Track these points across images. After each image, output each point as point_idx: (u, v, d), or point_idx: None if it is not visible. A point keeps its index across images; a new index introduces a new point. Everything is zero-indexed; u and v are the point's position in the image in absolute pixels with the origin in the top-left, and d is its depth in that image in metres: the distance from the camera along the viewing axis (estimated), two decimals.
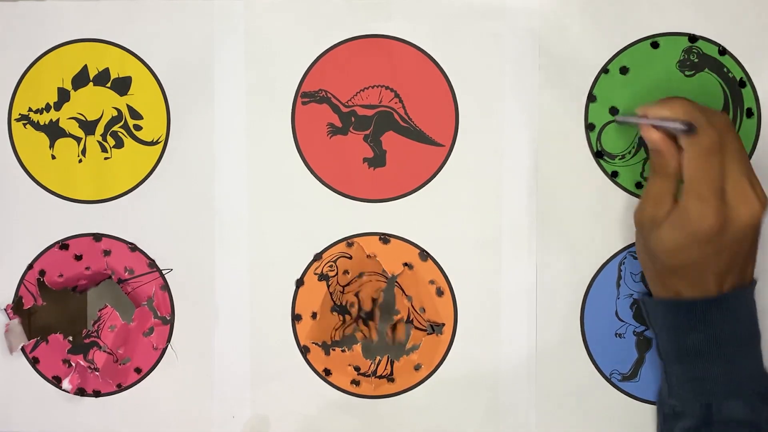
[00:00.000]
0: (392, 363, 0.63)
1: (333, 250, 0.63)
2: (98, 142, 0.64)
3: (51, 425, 0.65)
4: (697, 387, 0.55)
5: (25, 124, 0.64)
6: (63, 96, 0.64)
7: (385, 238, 0.62)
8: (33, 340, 0.65)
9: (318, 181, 0.63)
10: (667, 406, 0.57)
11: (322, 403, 0.63)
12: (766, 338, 0.57)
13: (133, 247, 0.64)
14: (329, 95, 0.62)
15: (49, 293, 0.65)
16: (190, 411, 0.64)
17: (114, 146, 0.64)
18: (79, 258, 0.64)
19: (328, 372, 0.63)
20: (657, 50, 0.60)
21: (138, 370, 0.65)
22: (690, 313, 0.54)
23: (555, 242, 0.61)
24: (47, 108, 0.64)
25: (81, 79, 0.64)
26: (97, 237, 0.64)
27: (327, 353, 0.63)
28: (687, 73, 0.60)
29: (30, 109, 0.64)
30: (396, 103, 0.62)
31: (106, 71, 0.64)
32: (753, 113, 0.60)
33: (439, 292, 0.62)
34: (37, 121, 0.64)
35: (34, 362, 0.65)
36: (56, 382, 0.65)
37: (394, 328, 0.64)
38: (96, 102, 0.64)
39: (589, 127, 0.61)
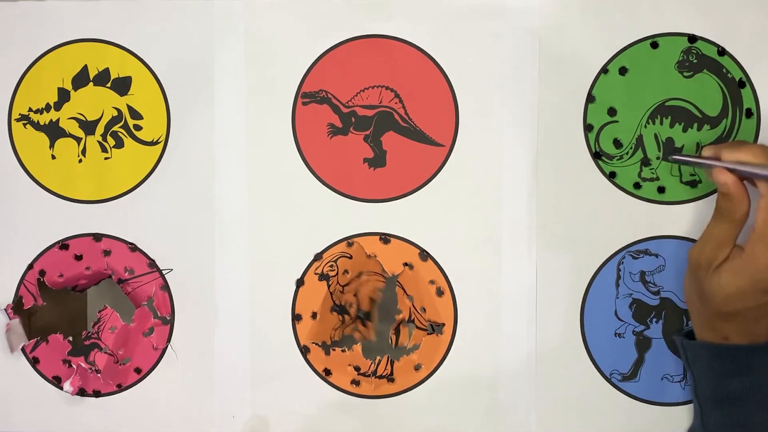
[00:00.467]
0: (392, 363, 0.63)
1: (333, 250, 0.63)
2: (98, 142, 0.64)
3: (51, 425, 0.65)
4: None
5: (25, 124, 0.64)
6: (63, 96, 0.64)
7: (385, 238, 0.62)
8: (33, 340, 0.65)
9: (318, 181, 0.63)
10: None
11: (322, 403, 0.63)
12: None
13: (133, 247, 0.64)
14: (329, 95, 0.62)
15: (49, 293, 0.65)
16: (190, 411, 0.64)
17: (114, 146, 0.64)
18: (79, 258, 0.64)
19: (328, 372, 0.63)
20: (656, 51, 0.60)
21: (138, 370, 0.65)
22: (735, 359, 0.53)
23: (554, 242, 0.61)
24: (47, 108, 0.64)
25: (81, 79, 0.64)
26: (97, 237, 0.64)
27: (327, 353, 0.63)
28: (686, 74, 0.60)
29: (30, 109, 0.64)
30: (396, 103, 0.62)
31: (106, 71, 0.64)
32: (752, 113, 0.60)
33: (439, 292, 0.62)
34: (37, 121, 0.64)
35: (34, 362, 0.65)
36: (56, 382, 0.65)
37: (397, 330, 0.64)
38: (96, 102, 0.64)
39: (588, 127, 0.61)
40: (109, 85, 0.64)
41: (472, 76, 0.61)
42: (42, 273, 0.64)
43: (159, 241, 0.64)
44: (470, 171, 0.62)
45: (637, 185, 0.61)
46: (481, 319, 0.62)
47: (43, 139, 0.64)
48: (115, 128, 0.64)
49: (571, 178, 0.61)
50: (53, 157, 0.64)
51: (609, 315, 0.61)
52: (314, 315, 0.63)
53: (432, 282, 0.62)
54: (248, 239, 0.63)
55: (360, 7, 0.62)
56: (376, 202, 0.62)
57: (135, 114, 0.64)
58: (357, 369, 0.63)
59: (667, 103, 0.60)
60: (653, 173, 0.61)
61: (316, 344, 0.63)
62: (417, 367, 0.63)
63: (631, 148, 0.61)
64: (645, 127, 0.60)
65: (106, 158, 0.64)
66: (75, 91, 0.64)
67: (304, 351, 0.63)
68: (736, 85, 0.60)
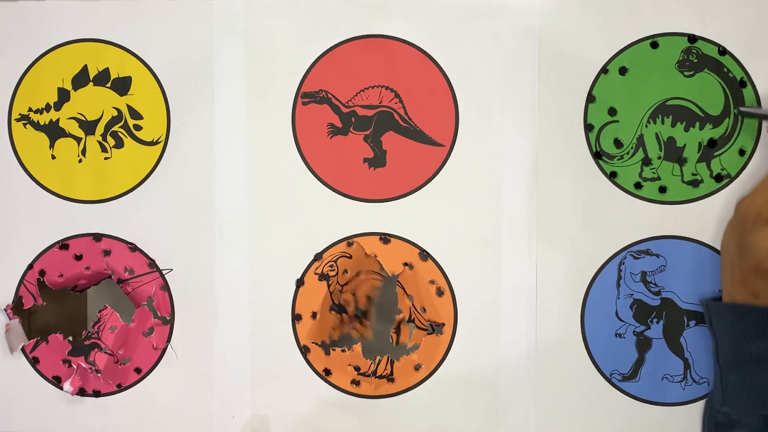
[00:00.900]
0: (392, 363, 0.63)
1: (333, 249, 0.63)
2: (98, 142, 0.64)
3: (51, 425, 0.65)
4: (758, 396, 0.54)
5: (25, 124, 0.64)
6: (63, 96, 0.64)
7: (385, 238, 0.62)
8: (33, 340, 0.65)
9: (318, 181, 0.63)
10: (721, 414, 0.56)
11: (322, 403, 0.63)
12: None
13: (133, 247, 0.64)
14: (329, 95, 0.62)
15: (49, 293, 0.65)
16: (190, 411, 0.64)
17: (114, 146, 0.64)
18: (79, 258, 0.64)
19: (328, 372, 0.63)
20: (656, 50, 0.60)
21: (138, 370, 0.65)
22: (758, 321, 0.53)
23: (555, 242, 0.61)
24: (47, 108, 0.64)
25: (81, 79, 0.64)
26: (97, 237, 0.64)
27: (327, 353, 0.63)
28: (686, 73, 0.60)
29: (30, 109, 0.64)
30: (396, 103, 0.62)
31: (106, 71, 0.64)
32: None
33: (439, 292, 0.62)
34: (37, 121, 0.64)
35: (34, 362, 0.65)
36: (56, 382, 0.65)
37: (397, 329, 0.64)
38: (96, 102, 0.64)
39: (588, 127, 0.61)
40: (109, 85, 0.64)
41: (472, 76, 0.61)
42: (42, 273, 0.65)
43: (159, 241, 0.64)
44: (470, 171, 0.62)
45: (638, 185, 0.61)
46: (481, 319, 0.62)
47: (43, 139, 0.64)
48: (115, 128, 0.64)
49: (571, 178, 0.61)
50: (53, 157, 0.64)
51: (610, 315, 0.61)
52: (314, 315, 0.63)
53: (432, 282, 0.62)
54: (248, 239, 0.63)
55: (360, 7, 0.62)
56: (376, 202, 0.62)
57: (135, 114, 0.64)
58: (357, 369, 0.63)
59: (668, 103, 0.60)
60: (654, 173, 0.60)
61: (316, 344, 0.63)
62: (417, 367, 0.63)
63: (631, 147, 0.61)
64: (646, 126, 0.60)
65: (106, 158, 0.64)
66: (75, 91, 0.64)
67: (304, 351, 0.63)
68: (738, 84, 0.60)
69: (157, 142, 0.64)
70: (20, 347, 0.65)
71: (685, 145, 0.60)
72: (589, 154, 0.61)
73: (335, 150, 0.62)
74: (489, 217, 0.62)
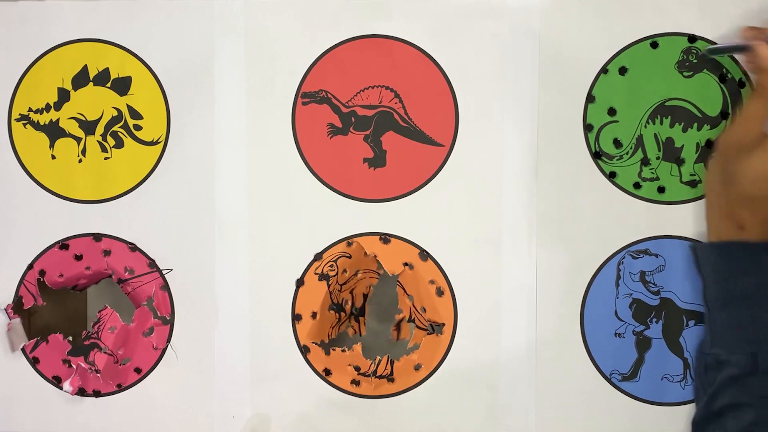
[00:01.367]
0: (392, 363, 0.63)
1: (333, 249, 0.63)
2: (98, 142, 0.64)
3: (51, 425, 0.65)
4: (744, 333, 0.54)
5: (25, 124, 0.64)
6: (63, 96, 0.64)
7: (385, 238, 0.62)
8: (33, 340, 0.65)
9: (318, 181, 0.63)
10: (709, 357, 0.56)
11: (322, 403, 0.63)
12: None
13: (133, 247, 0.64)
14: (329, 95, 0.62)
15: (49, 293, 0.65)
16: (190, 411, 0.64)
17: (114, 146, 0.64)
18: (79, 258, 0.64)
19: (328, 372, 0.63)
20: (656, 50, 0.60)
21: (138, 370, 0.65)
22: (745, 257, 0.54)
23: (554, 242, 0.61)
24: (47, 108, 0.64)
25: (81, 79, 0.64)
26: (97, 237, 0.64)
27: (327, 353, 0.63)
28: (686, 73, 0.60)
29: (30, 109, 0.64)
30: (396, 103, 0.62)
31: (106, 71, 0.64)
32: None
33: (439, 292, 0.62)
34: (37, 121, 0.64)
35: (34, 362, 0.65)
36: (56, 382, 0.65)
37: (398, 326, 0.64)
38: (96, 102, 0.64)
39: (588, 127, 0.61)
40: (109, 85, 0.64)
41: (472, 76, 0.61)
42: (42, 273, 0.64)
43: (159, 241, 0.64)
44: (470, 171, 0.62)
45: (637, 185, 0.61)
46: (481, 319, 0.62)
47: (43, 139, 0.64)
48: (115, 128, 0.64)
49: (571, 178, 0.61)
50: (53, 157, 0.64)
51: (609, 315, 0.61)
52: (314, 315, 0.63)
53: (432, 282, 0.62)
54: (248, 239, 0.63)
55: (360, 7, 0.62)
56: (376, 202, 0.62)
57: (135, 114, 0.64)
58: (357, 369, 0.63)
59: (667, 103, 0.60)
60: (653, 173, 0.61)
61: (316, 344, 0.63)
62: (417, 367, 0.63)
63: (631, 148, 0.61)
64: (645, 126, 0.60)
65: (106, 158, 0.64)
66: (75, 91, 0.64)
67: (304, 351, 0.63)
68: (737, 84, 0.60)
69: (157, 142, 0.64)
70: (20, 347, 0.65)
71: (683, 145, 0.60)
72: (588, 154, 0.61)
73: (335, 150, 0.62)
74: (489, 217, 0.62)
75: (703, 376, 0.57)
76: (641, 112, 0.60)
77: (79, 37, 0.64)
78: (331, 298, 0.63)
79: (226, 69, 0.63)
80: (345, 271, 0.63)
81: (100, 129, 0.64)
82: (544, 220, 0.61)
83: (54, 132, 0.64)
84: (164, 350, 0.64)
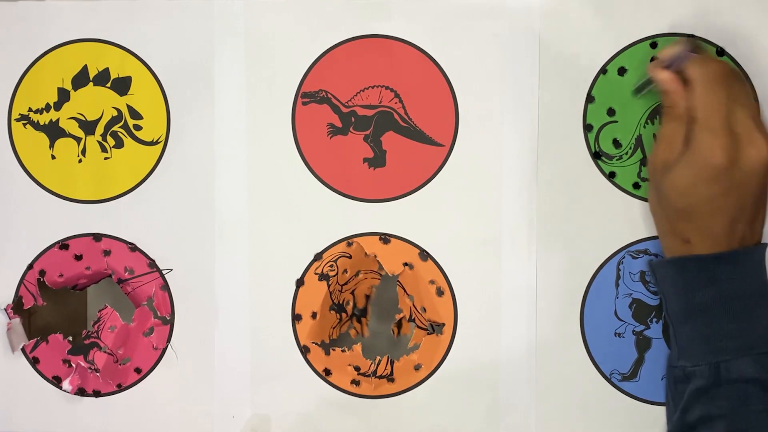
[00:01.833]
0: (392, 363, 0.63)
1: (333, 249, 0.63)
2: (98, 142, 0.64)
3: (51, 425, 0.65)
4: (707, 344, 0.54)
5: (25, 124, 0.64)
6: (63, 96, 0.64)
7: (385, 238, 0.62)
8: (33, 340, 0.65)
9: (318, 181, 0.63)
10: (677, 369, 0.56)
11: (322, 403, 0.63)
12: None
13: (133, 247, 0.64)
14: (329, 95, 0.62)
15: (49, 293, 0.65)
16: (190, 411, 0.64)
17: (114, 146, 0.64)
18: (79, 258, 0.64)
19: (328, 372, 0.63)
20: (656, 51, 0.60)
21: (138, 370, 0.65)
22: (699, 270, 0.54)
23: (554, 242, 0.61)
24: (47, 108, 0.64)
25: (81, 79, 0.64)
26: (97, 237, 0.64)
27: (327, 353, 0.63)
28: None
29: (30, 109, 0.64)
30: (396, 103, 0.62)
31: (106, 71, 0.64)
32: None
33: (439, 292, 0.62)
34: (37, 121, 0.64)
35: (34, 362, 0.65)
36: (56, 382, 0.65)
37: (399, 324, 0.64)
38: (96, 102, 0.64)
39: (587, 127, 0.61)
40: (109, 85, 0.64)
41: (472, 76, 0.61)
42: (42, 273, 0.64)
43: (159, 241, 0.64)
44: (470, 171, 0.62)
45: (636, 185, 0.61)
46: (481, 319, 0.62)
47: (43, 139, 0.64)
48: (115, 128, 0.64)
49: (570, 178, 0.61)
50: (53, 157, 0.64)
51: (609, 315, 0.61)
52: (314, 315, 0.63)
53: (432, 282, 0.62)
54: (248, 239, 0.63)
55: (360, 7, 0.62)
56: (376, 202, 0.62)
57: (135, 114, 0.64)
58: (357, 369, 0.63)
59: None
60: None
61: (316, 344, 0.63)
62: (417, 367, 0.63)
63: (630, 148, 0.61)
64: (644, 127, 0.60)
65: (106, 158, 0.64)
66: (75, 91, 0.64)
67: (304, 351, 0.63)
68: None
69: (157, 142, 0.64)
70: (20, 347, 0.65)
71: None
72: (588, 154, 0.61)
73: (335, 150, 0.62)
74: (489, 217, 0.62)
75: (673, 390, 0.57)
76: (640, 113, 0.60)
77: (79, 37, 0.64)
78: (331, 298, 0.63)
79: (226, 69, 0.63)
80: (345, 271, 0.63)
81: (100, 129, 0.64)
82: (544, 220, 0.61)
83: (54, 132, 0.64)
84: (164, 350, 0.64)
